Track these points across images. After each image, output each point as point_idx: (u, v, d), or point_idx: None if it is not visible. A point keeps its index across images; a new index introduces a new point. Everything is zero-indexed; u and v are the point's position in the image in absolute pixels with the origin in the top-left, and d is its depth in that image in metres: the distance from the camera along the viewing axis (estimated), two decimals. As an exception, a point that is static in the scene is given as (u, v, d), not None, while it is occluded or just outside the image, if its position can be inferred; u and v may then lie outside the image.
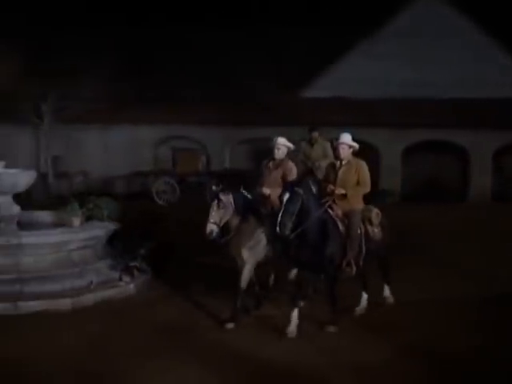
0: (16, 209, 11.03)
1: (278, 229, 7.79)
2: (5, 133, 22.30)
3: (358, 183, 8.82)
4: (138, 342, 7.95)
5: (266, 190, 9.28)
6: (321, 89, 24.92)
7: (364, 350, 7.80)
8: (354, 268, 8.56)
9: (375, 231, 8.98)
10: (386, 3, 25.06)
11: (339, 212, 8.61)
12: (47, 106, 22.25)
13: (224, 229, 8.67)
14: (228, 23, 25.04)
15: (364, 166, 8.90)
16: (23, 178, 11.29)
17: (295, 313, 8.27)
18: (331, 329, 8.42)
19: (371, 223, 8.93)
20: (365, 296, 9.42)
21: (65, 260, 10.04)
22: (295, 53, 24.72)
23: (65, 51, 21.01)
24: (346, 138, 8.95)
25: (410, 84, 23.49)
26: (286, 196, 7.91)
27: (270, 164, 9.72)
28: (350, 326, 8.72)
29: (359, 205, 8.85)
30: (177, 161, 22.72)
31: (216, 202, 8.51)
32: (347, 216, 8.62)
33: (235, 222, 8.73)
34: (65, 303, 9.25)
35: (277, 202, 8.63)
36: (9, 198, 10.99)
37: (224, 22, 25.22)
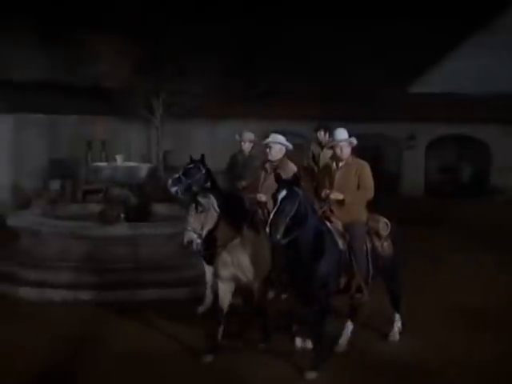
0: (133, 201, 11.50)
1: (268, 230, 6.36)
2: (119, 127, 23.11)
3: (358, 188, 7.35)
4: (254, 332, 7.91)
5: (262, 196, 7.77)
6: (428, 84, 24.57)
7: (474, 348, 7.75)
8: (367, 293, 7.20)
9: (384, 245, 7.51)
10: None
11: (339, 225, 7.19)
12: (159, 101, 22.90)
13: (209, 239, 7.26)
14: (335, 18, 24.98)
15: (366, 168, 7.39)
16: (140, 171, 11.76)
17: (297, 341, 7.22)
18: (310, 375, 6.88)
19: (379, 236, 7.48)
20: (397, 317, 8.13)
21: (180, 250, 10.35)
22: (403, 48, 24.40)
23: (176, 47, 21.57)
24: (344, 134, 7.43)
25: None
26: (283, 193, 6.50)
27: (267, 166, 8.14)
28: (461, 323, 8.68)
29: (362, 215, 7.42)
30: (283, 156, 22.93)
31: (194, 205, 7.04)
32: (348, 230, 7.19)
33: (225, 230, 7.26)
34: (181, 292, 9.55)
35: None
36: (126, 191, 11.47)
37: (331, 17, 25.18)
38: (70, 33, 20.60)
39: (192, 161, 8.99)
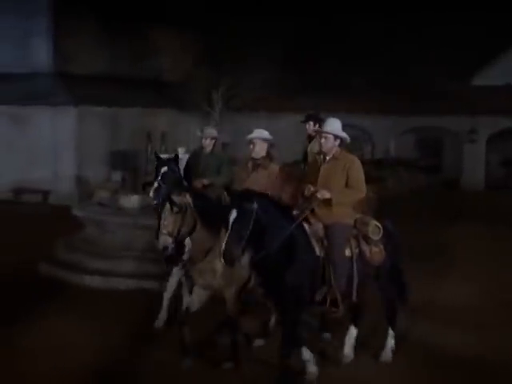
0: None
1: (221, 259, 5.78)
2: (179, 120, 23.38)
3: (346, 186, 6.52)
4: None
5: None
6: (492, 77, 24.15)
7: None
8: (342, 307, 6.31)
9: (374, 251, 6.57)
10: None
11: (319, 227, 6.38)
12: (218, 94, 23.09)
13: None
14: (396, 11, 24.74)
15: (356, 164, 6.56)
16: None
17: None
18: None
19: (368, 241, 6.55)
20: (353, 332, 7.15)
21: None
22: (466, 40, 24.03)
23: (235, 42, 21.71)
24: (332, 124, 6.64)
25: None
26: (233, 214, 5.77)
27: (249, 164, 7.52)
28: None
29: (347, 217, 6.54)
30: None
31: (168, 205, 6.38)
32: (328, 233, 6.37)
33: (200, 234, 6.59)
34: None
35: None
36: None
37: (391, 9, 24.95)
38: (133, 27, 20.95)
39: (162, 162, 8.21)
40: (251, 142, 7.46)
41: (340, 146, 6.61)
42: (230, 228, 5.75)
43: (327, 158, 6.61)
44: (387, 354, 7.11)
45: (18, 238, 13.14)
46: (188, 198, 6.44)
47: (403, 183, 21.39)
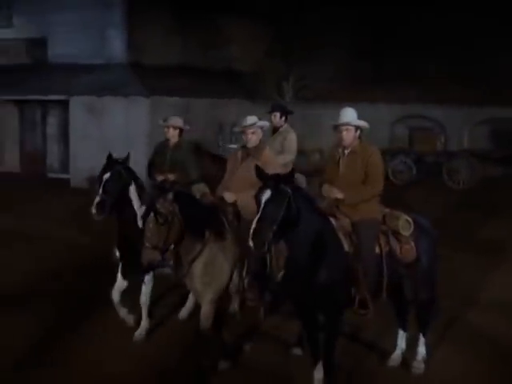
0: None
1: (251, 243, 5.21)
2: (249, 110, 23.45)
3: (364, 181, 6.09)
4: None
5: (230, 196, 6.59)
6: None
7: None
8: (372, 308, 5.88)
9: (406, 248, 6.11)
10: None
11: (346, 222, 5.95)
12: (289, 84, 23.13)
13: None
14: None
15: (376, 155, 6.12)
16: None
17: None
18: None
19: (399, 237, 6.11)
20: (402, 334, 6.88)
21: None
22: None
23: (306, 32, 21.68)
24: (350, 115, 6.14)
25: None
26: (267, 194, 5.29)
27: (239, 154, 7.00)
28: None
29: (374, 212, 6.11)
30: (414, 140, 22.58)
31: (153, 215, 5.65)
32: (355, 230, 5.93)
33: (189, 238, 6.05)
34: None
35: (249, 209, 5.97)
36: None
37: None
38: (205, 18, 21.15)
39: (109, 164, 7.40)
40: (247, 131, 6.94)
41: (359, 137, 6.17)
42: (261, 208, 5.27)
43: (346, 151, 6.17)
44: (419, 364, 6.68)
45: (93, 225, 13.46)
46: (174, 206, 5.76)
47: (477, 175, 20.98)
